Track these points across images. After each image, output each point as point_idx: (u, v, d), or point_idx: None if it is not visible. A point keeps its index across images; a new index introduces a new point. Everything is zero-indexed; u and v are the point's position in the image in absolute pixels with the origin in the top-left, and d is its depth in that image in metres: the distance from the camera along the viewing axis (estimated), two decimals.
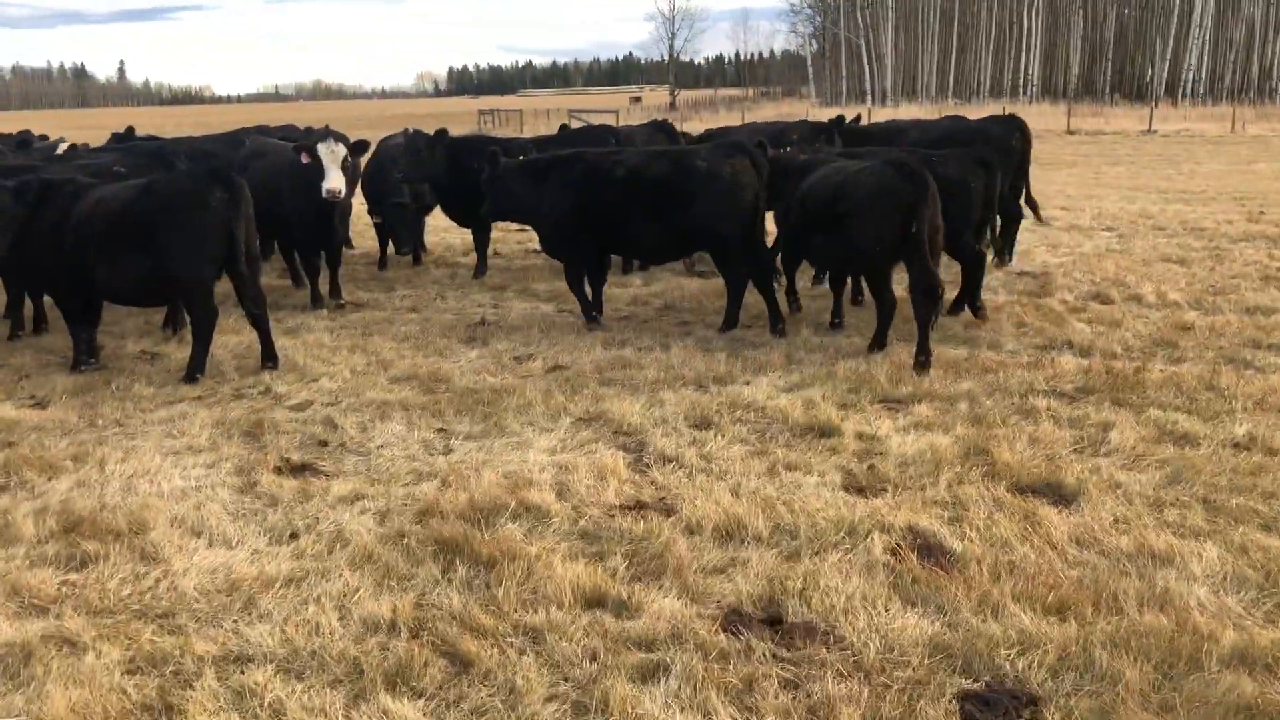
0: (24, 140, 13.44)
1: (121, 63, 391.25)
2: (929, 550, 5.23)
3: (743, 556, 5.25)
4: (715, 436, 7.00)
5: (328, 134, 10.88)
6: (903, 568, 5.03)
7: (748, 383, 8.26)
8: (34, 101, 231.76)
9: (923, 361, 8.42)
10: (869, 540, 5.31)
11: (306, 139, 11.32)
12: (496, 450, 6.91)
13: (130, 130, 15.53)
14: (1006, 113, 16.80)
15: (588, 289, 10.44)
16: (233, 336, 9.97)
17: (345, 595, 4.92)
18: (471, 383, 8.43)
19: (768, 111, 66.04)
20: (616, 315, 10.81)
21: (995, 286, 11.39)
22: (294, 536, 5.64)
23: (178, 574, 5.18)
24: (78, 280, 8.83)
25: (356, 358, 9.36)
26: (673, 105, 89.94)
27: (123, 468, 6.65)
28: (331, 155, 10.58)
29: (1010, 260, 12.78)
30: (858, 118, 15.44)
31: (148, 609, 4.88)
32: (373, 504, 6.04)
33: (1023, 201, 13.22)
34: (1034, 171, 14.73)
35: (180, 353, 9.66)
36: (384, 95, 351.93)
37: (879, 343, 9.00)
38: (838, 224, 8.96)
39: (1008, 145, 12.48)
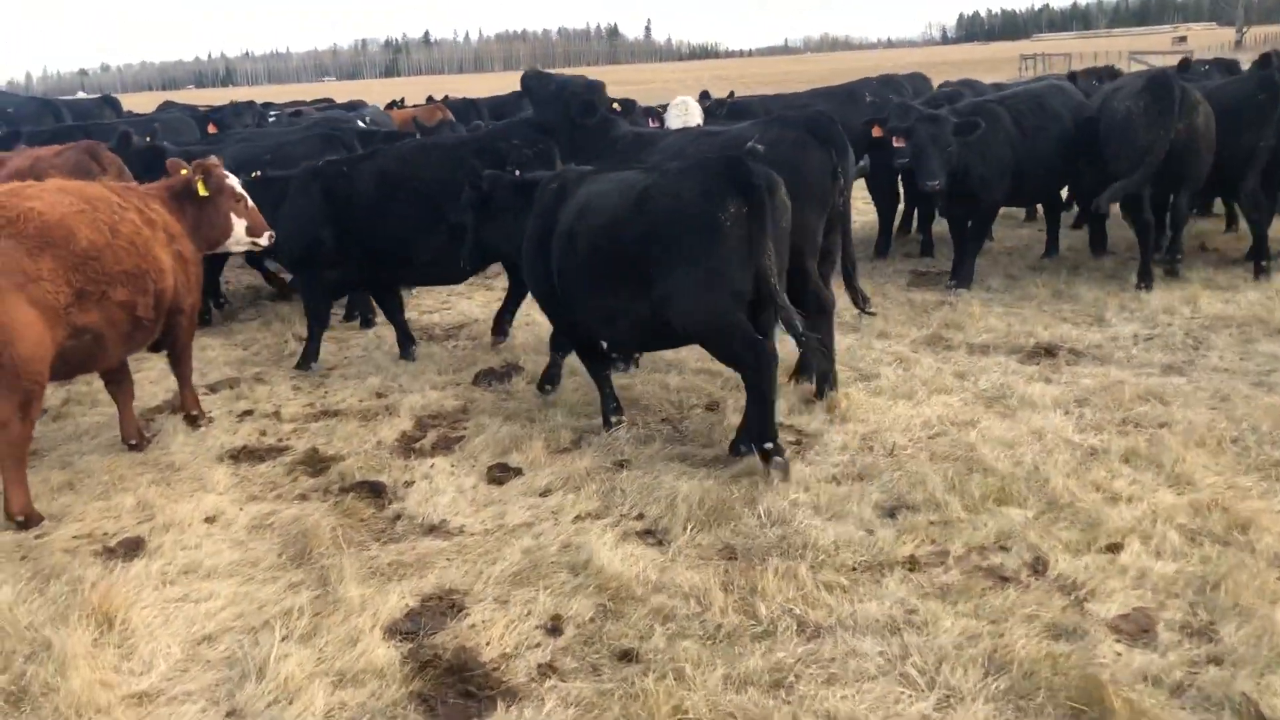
0: (628, 105, 10.63)
1: (649, 21, 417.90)
2: None
3: None
4: None
5: None
6: None
7: None
8: (573, 59, 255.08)
9: None
10: None
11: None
12: None
13: (706, 94, 12.55)
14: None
15: None
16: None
17: None
18: None
19: None
20: None
21: None
22: None
23: None
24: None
25: (1020, 438, 5.24)
26: (1238, 44, 75.17)
27: None
28: None
29: None
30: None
31: None
32: None
33: None
34: None
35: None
36: (889, 45, 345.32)
37: None
38: None
39: None
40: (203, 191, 6.67)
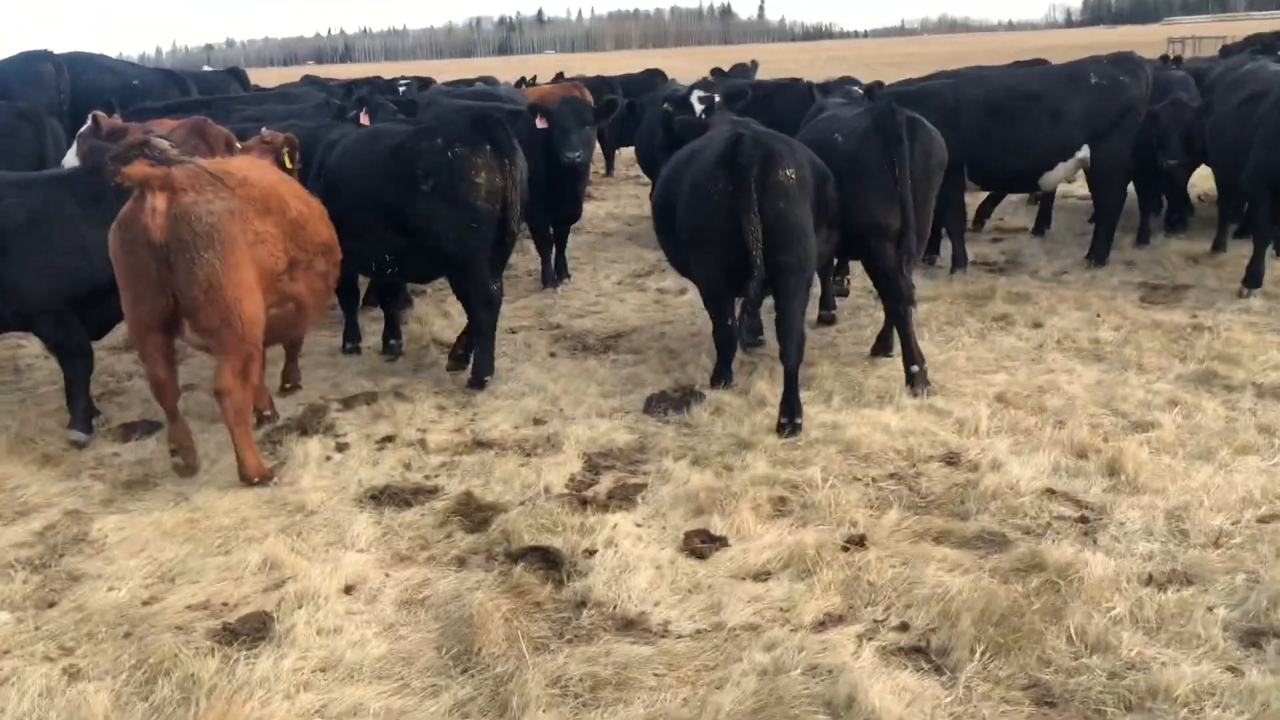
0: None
1: (762, 1, 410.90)
2: None
3: None
4: None
5: None
6: None
7: None
8: (685, 39, 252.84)
9: None
10: None
11: None
12: None
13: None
14: None
15: None
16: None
17: None
18: None
19: None
20: None
21: None
22: None
23: None
24: None
25: None
26: None
27: None
28: None
29: None
30: None
31: None
32: None
33: None
34: None
35: None
36: (1010, 28, 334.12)
37: None
38: None
39: None
40: (290, 165, 6.48)
